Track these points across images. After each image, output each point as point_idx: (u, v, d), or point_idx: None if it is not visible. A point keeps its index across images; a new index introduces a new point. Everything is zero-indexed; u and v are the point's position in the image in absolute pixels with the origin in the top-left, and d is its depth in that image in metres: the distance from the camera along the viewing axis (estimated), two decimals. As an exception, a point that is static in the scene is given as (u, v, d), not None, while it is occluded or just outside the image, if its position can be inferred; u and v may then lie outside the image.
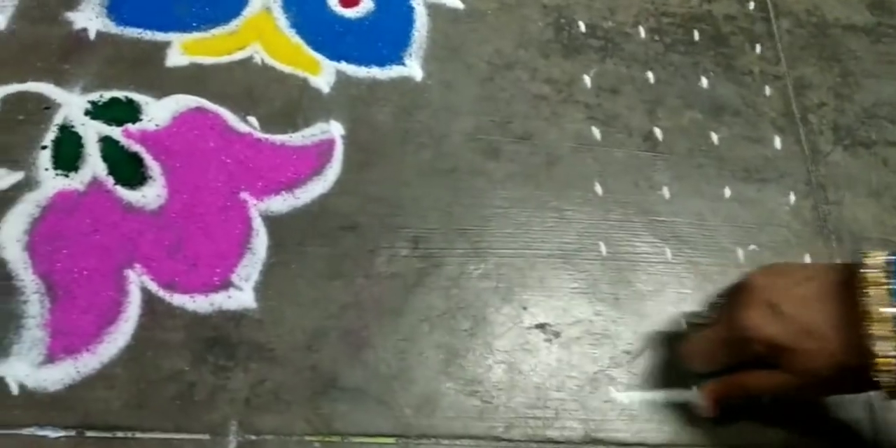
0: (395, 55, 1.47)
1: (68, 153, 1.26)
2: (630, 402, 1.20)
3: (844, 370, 0.91)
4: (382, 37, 1.49)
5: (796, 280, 0.99)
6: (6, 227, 1.19)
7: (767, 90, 1.57)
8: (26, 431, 1.06)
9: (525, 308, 1.26)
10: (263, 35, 1.44)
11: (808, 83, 1.60)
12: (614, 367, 1.22)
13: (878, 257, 0.91)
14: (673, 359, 1.23)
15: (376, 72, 1.44)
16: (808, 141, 1.52)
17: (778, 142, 1.51)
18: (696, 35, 1.63)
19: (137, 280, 1.18)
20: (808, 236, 1.40)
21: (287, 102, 1.37)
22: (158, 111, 1.32)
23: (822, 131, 1.54)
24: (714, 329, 1.09)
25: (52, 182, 1.23)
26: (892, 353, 0.85)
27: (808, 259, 1.37)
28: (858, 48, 1.68)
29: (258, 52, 1.41)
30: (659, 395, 1.21)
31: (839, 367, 0.92)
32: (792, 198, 1.44)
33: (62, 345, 1.12)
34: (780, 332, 0.95)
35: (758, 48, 1.63)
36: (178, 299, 1.17)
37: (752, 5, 1.70)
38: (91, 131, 1.29)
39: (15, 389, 1.08)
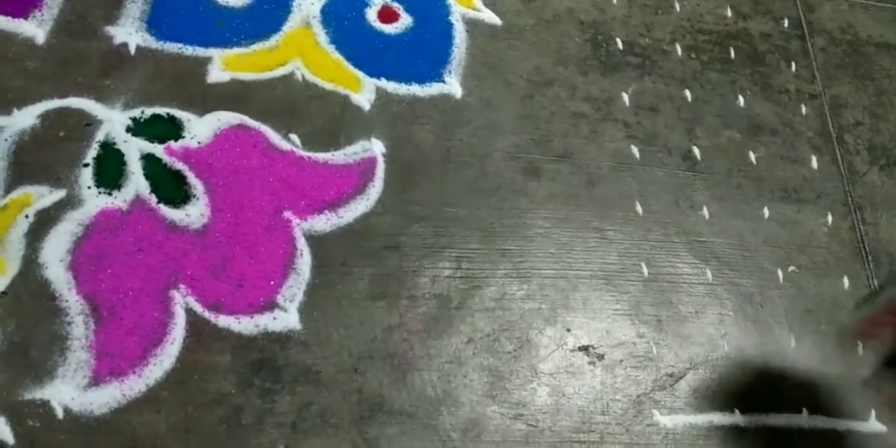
0: (434, 72, 1.47)
1: (111, 171, 1.25)
2: (674, 425, 1.20)
3: None
4: (422, 53, 1.48)
5: None
6: (49, 246, 1.18)
7: (804, 109, 1.57)
8: (74, 455, 1.05)
9: (569, 330, 1.25)
10: (304, 51, 1.43)
11: (843, 102, 1.60)
12: (658, 391, 1.22)
13: None
14: (715, 381, 1.23)
15: (416, 89, 1.44)
16: (845, 161, 1.52)
17: (815, 161, 1.51)
18: (733, 53, 1.62)
19: (182, 301, 1.17)
20: (847, 258, 1.41)
21: (329, 120, 1.36)
22: (201, 128, 1.31)
23: (858, 151, 1.54)
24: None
25: (94, 200, 1.22)
26: None
27: (846, 281, 1.38)
28: (892, 67, 1.68)
29: (299, 69, 1.40)
30: (702, 418, 1.21)
31: None
32: (830, 218, 1.44)
33: (108, 367, 1.11)
34: None
35: (793, 66, 1.63)
36: (223, 321, 1.17)
37: (786, 23, 1.69)
38: (133, 149, 1.28)
39: (60, 413, 1.07)
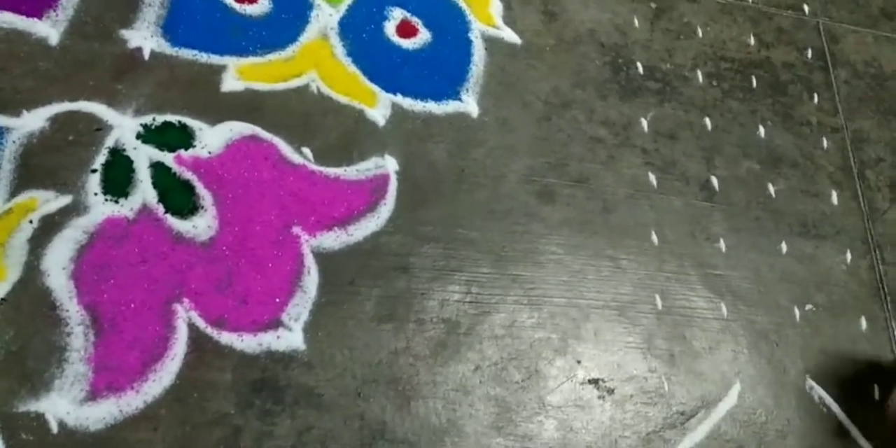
0: (451, 90, 1.44)
1: (119, 178, 1.22)
2: (683, 465, 1.17)
3: None
4: (439, 70, 1.46)
5: None
6: (52, 253, 1.15)
7: (825, 142, 1.55)
8: (65, 472, 1.02)
9: (579, 361, 1.22)
10: (320, 63, 1.40)
11: (865, 137, 1.58)
12: (668, 428, 1.19)
13: None
14: (727, 421, 1.20)
15: (432, 106, 1.41)
16: (866, 197, 1.50)
17: (835, 197, 1.48)
18: (755, 82, 1.60)
19: (185, 315, 1.14)
20: (865, 298, 1.38)
21: (343, 134, 1.33)
22: (212, 138, 1.29)
23: (880, 188, 1.52)
24: None
25: (101, 208, 1.19)
26: None
27: (863, 322, 1.35)
28: (915, 102, 1.65)
29: (315, 81, 1.38)
30: (712, 459, 1.18)
31: None
32: (849, 256, 1.41)
33: (106, 381, 1.08)
34: None
35: (815, 98, 1.61)
36: (226, 338, 1.14)
37: (809, 53, 1.67)
38: (142, 156, 1.25)
39: (55, 427, 1.04)
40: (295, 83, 1.38)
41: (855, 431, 1.22)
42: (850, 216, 1.44)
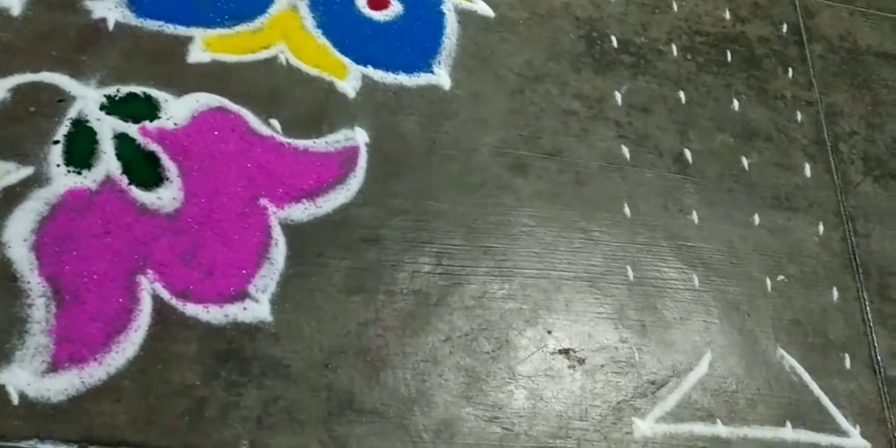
0: (423, 62, 1.43)
1: (82, 149, 1.20)
2: (654, 434, 1.16)
3: None
4: (411, 42, 1.44)
5: None
6: (13, 224, 1.13)
7: (799, 116, 1.54)
8: (25, 444, 1.00)
9: (550, 332, 1.22)
10: (289, 34, 1.38)
11: (839, 111, 1.58)
12: (638, 398, 1.19)
13: None
14: (698, 390, 1.20)
15: (403, 78, 1.40)
16: (839, 170, 1.50)
17: (808, 169, 1.48)
18: (729, 56, 1.59)
19: (149, 287, 1.12)
20: (836, 269, 1.38)
21: (312, 106, 1.32)
22: (178, 109, 1.26)
23: (853, 161, 1.52)
24: None
25: (63, 179, 1.17)
26: None
27: (835, 293, 1.35)
28: (890, 77, 1.65)
29: (283, 52, 1.36)
30: (683, 428, 1.17)
31: None
32: (821, 228, 1.41)
33: (67, 353, 1.06)
34: None
35: (790, 72, 1.60)
36: (191, 309, 1.12)
37: (785, 28, 1.67)
38: (106, 127, 1.23)
39: (15, 399, 1.02)
40: (263, 55, 1.36)
41: (825, 400, 1.22)
42: (822, 189, 1.44)
